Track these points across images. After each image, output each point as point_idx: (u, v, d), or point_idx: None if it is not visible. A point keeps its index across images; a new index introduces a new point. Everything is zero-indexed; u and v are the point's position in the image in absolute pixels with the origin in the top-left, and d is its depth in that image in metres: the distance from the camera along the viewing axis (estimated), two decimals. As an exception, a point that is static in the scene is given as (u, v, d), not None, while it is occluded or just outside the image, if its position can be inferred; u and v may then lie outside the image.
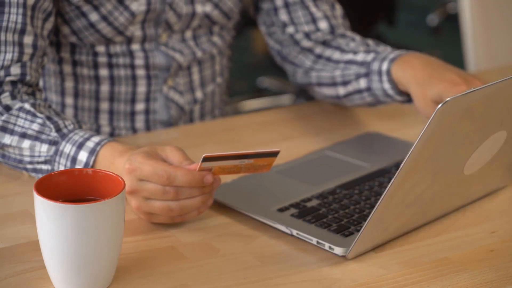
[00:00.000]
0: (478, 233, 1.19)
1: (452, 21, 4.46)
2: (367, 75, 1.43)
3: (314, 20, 1.52)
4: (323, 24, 1.52)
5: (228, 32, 1.59)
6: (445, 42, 4.58)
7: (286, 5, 1.53)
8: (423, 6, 4.90)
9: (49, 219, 0.99)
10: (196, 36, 1.52)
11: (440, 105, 0.98)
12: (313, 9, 1.52)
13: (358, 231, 1.15)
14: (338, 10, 1.55)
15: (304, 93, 3.28)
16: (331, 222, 1.18)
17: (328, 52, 1.50)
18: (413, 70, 1.36)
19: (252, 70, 4.11)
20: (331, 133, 1.49)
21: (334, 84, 1.48)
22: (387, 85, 1.40)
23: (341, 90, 1.48)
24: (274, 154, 1.15)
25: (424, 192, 1.12)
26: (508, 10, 2.13)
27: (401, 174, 1.03)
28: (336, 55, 1.49)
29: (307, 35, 1.52)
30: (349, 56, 1.47)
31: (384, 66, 1.40)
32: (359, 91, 1.45)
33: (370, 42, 1.50)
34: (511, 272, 1.09)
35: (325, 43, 1.52)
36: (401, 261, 1.11)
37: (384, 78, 1.40)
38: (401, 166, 1.02)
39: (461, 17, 2.08)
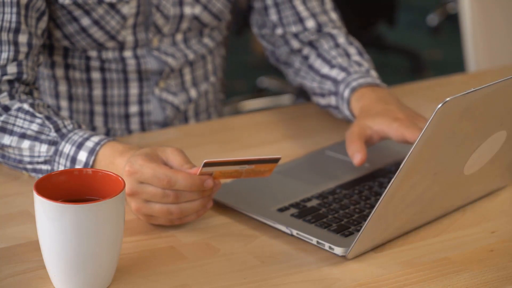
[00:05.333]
0: (478, 233, 1.19)
1: (452, 21, 4.46)
2: (336, 94, 1.45)
3: (301, 20, 1.53)
4: (310, 23, 1.53)
5: (220, 32, 1.59)
6: (445, 42, 4.58)
7: (276, 4, 1.53)
8: (423, 6, 4.91)
9: (49, 219, 0.99)
10: (187, 39, 1.52)
11: (440, 105, 0.98)
12: (300, 8, 1.53)
13: (358, 231, 1.15)
14: (328, 3, 1.56)
15: (304, 93, 3.28)
16: (331, 222, 1.18)
17: (312, 58, 1.51)
18: (364, 102, 1.37)
19: (252, 70, 4.11)
20: (331, 133, 1.49)
21: (315, 94, 1.51)
22: (347, 112, 1.42)
23: (321, 101, 1.50)
24: (275, 160, 1.15)
25: (424, 192, 1.12)
26: (508, 10, 2.13)
27: (401, 174, 1.03)
28: (317, 64, 1.50)
29: (296, 36, 1.54)
30: (326, 70, 1.48)
31: (346, 94, 1.42)
32: (331, 107, 1.48)
33: (351, 50, 1.50)
34: (511, 272, 1.09)
35: (311, 44, 1.53)
36: (401, 261, 1.11)
37: (345, 105, 1.42)
38: (401, 166, 1.02)
39: (461, 17, 2.07)
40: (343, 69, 1.46)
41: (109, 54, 1.47)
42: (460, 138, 1.08)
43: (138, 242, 1.14)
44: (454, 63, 4.08)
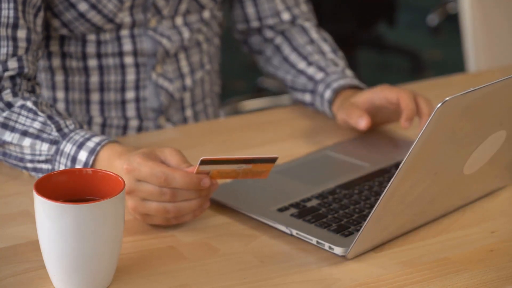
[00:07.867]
0: (478, 233, 1.19)
1: (452, 21, 4.46)
2: (312, 92, 1.52)
3: (278, 13, 1.60)
4: (285, 16, 1.60)
5: (216, 20, 1.62)
6: (445, 42, 4.58)
7: None
8: (423, 6, 4.91)
9: (49, 219, 0.99)
10: (187, 23, 1.53)
11: (439, 105, 0.98)
12: (277, 0, 1.60)
13: (358, 231, 1.15)
14: None
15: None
16: (331, 222, 1.18)
17: (287, 51, 1.58)
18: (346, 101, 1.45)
19: (252, 70, 4.11)
20: (331, 133, 1.49)
21: (286, 86, 1.58)
22: (327, 110, 1.50)
23: (295, 94, 1.57)
24: (272, 160, 1.15)
25: (424, 192, 1.12)
26: (508, 10, 2.13)
27: (401, 174, 1.03)
28: (293, 57, 1.57)
29: (271, 28, 1.61)
30: (302, 66, 1.55)
31: (327, 94, 1.49)
32: (304, 103, 1.56)
33: (325, 47, 1.58)
34: (511, 272, 1.09)
35: (283, 34, 1.60)
36: (401, 261, 1.12)
37: (326, 105, 1.50)
38: (400, 166, 1.02)
39: (461, 17, 2.08)
40: (320, 68, 1.53)
41: (106, 35, 1.48)
42: (459, 138, 1.08)
43: (138, 242, 1.14)
44: (454, 63, 4.08)
